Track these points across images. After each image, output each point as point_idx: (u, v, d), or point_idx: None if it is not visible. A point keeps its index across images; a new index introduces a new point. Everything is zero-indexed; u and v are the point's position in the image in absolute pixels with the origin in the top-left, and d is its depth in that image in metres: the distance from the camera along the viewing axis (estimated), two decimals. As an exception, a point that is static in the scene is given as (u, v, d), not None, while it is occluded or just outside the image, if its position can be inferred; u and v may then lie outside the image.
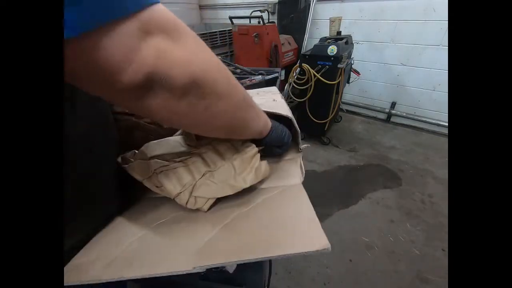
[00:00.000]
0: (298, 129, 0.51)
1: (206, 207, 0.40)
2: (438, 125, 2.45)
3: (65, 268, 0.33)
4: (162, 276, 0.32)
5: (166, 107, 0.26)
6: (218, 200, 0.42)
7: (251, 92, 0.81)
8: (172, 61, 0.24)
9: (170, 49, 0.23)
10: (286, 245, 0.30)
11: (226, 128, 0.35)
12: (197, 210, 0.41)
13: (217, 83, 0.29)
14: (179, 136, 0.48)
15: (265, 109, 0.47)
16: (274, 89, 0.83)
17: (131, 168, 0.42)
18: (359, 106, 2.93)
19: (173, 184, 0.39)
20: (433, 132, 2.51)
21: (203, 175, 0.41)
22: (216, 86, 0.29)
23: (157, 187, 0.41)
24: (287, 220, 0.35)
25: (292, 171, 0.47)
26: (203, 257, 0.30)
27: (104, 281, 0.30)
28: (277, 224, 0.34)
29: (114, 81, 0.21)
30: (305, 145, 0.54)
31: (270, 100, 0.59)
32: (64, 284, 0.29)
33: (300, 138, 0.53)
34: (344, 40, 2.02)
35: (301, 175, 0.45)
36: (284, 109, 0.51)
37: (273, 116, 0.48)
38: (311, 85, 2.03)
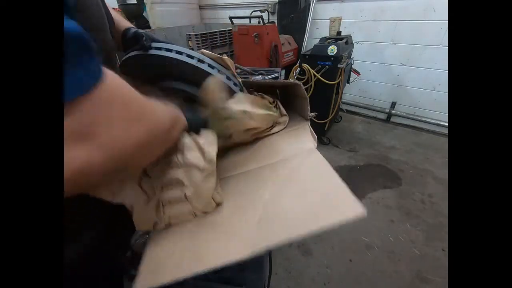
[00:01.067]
0: (307, 96, 0.54)
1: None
2: (438, 125, 2.45)
3: (138, 278, 0.37)
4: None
5: None
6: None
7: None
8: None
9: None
10: (326, 217, 0.33)
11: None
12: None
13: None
14: None
15: (273, 83, 0.55)
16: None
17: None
18: (359, 106, 2.93)
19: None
20: (433, 132, 2.51)
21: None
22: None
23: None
24: (320, 191, 0.37)
25: (305, 138, 0.51)
26: (256, 241, 0.33)
27: (181, 279, 0.33)
28: (311, 197, 0.37)
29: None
30: (313, 113, 0.55)
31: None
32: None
33: (308, 106, 0.55)
34: (344, 40, 2.02)
35: (314, 141, 0.50)
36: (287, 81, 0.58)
37: (281, 91, 0.56)
38: (311, 85, 2.03)
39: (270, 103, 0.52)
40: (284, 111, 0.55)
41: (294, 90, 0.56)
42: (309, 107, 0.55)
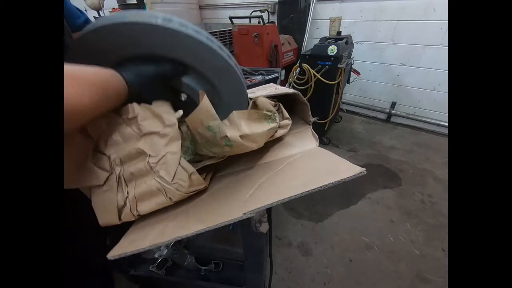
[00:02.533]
0: (308, 103, 0.54)
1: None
2: (438, 125, 2.45)
3: (115, 246, 0.34)
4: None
5: None
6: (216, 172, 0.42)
7: (253, 90, 0.81)
8: None
9: None
10: (324, 178, 0.32)
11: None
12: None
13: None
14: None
15: (272, 94, 0.51)
16: (271, 84, 0.84)
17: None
18: (359, 106, 2.93)
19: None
20: (433, 132, 2.51)
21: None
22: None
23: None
24: (318, 166, 0.38)
25: (306, 140, 0.51)
26: (249, 205, 0.32)
27: (160, 245, 0.31)
28: (310, 170, 0.37)
29: None
30: (315, 118, 0.56)
31: (273, 89, 0.61)
32: (123, 253, 0.31)
33: (310, 112, 0.55)
34: (344, 40, 2.02)
35: (315, 141, 0.49)
36: (288, 89, 0.55)
37: (281, 97, 0.51)
38: (311, 85, 2.03)
39: (269, 110, 0.47)
40: (286, 114, 0.53)
41: (294, 96, 0.55)
42: (310, 113, 0.55)
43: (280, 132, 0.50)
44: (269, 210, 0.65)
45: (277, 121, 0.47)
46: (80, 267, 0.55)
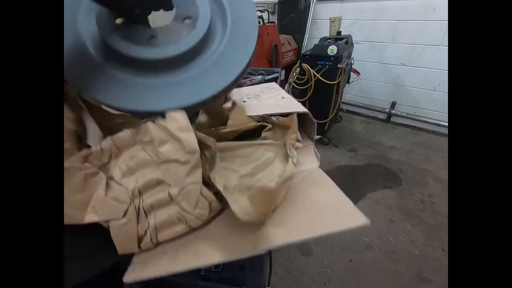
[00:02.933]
0: (315, 121, 0.52)
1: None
2: (438, 125, 2.45)
3: (130, 268, 0.34)
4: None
5: None
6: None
7: (254, 89, 0.81)
8: None
9: None
10: (331, 224, 0.33)
11: None
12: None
13: None
14: None
15: (281, 111, 0.48)
16: (274, 85, 0.84)
17: None
18: (359, 106, 2.93)
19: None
20: (433, 132, 2.51)
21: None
22: None
23: None
24: (323, 203, 0.37)
25: (308, 157, 0.50)
26: (261, 242, 0.32)
27: (175, 272, 0.31)
28: (315, 207, 0.37)
29: None
30: (318, 136, 0.56)
31: (280, 98, 0.59)
32: (139, 278, 0.32)
33: (315, 130, 0.54)
34: (344, 40, 2.02)
35: (317, 160, 0.48)
36: (297, 105, 0.53)
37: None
38: (311, 85, 2.03)
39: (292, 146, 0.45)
40: (299, 136, 0.49)
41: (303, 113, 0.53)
42: (315, 131, 0.54)
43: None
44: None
45: (294, 162, 0.42)
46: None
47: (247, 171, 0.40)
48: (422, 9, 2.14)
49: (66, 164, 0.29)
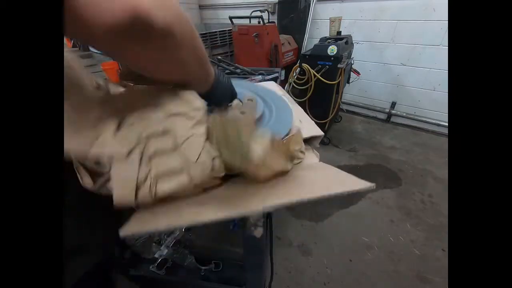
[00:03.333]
0: (322, 133, 0.56)
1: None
2: (438, 125, 2.45)
3: (127, 224, 0.33)
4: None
5: (143, 55, 0.28)
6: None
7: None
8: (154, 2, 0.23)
9: None
10: (338, 186, 0.33)
11: (190, 74, 0.39)
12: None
13: (188, 34, 0.31)
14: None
15: (305, 135, 0.51)
16: (274, 84, 0.84)
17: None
18: (359, 106, 2.93)
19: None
20: (433, 132, 2.51)
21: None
22: (188, 37, 0.31)
23: None
24: (329, 176, 0.38)
25: (307, 155, 0.50)
26: (268, 200, 0.32)
27: (178, 226, 0.31)
28: (321, 178, 0.38)
29: (100, 23, 0.21)
30: (318, 145, 0.58)
31: (298, 121, 0.59)
32: (137, 231, 0.31)
33: (319, 141, 0.57)
34: (344, 40, 2.02)
35: (316, 158, 0.50)
36: (313, 128, 0.57)
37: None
38: (311, 85, 2.03)
39: (295, 156, 0.46)
40: (303, 147, 0.51)
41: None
42: (319, 141, 0.57)
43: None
44: (269, 214, 0.65)
45: (294, 163, 0.45)
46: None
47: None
48: (422, 9, 2.14)
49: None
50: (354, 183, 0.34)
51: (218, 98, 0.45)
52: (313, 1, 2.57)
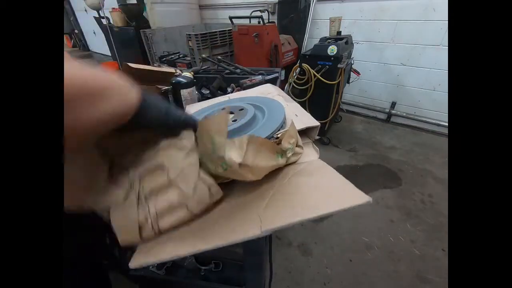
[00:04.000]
0: (319, 124, 0.55)
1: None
2: (438, 125, 2.45)
3: (135, 254, 0.34)
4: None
5: None
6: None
7: (252, 91, 0.81)
8: None
9: None
10: (334, 203, 0.33)
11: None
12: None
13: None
14: None
15: (300, 126, 0.50)
16: (268, 85, 0.84)
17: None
18: (359, 106, 2.93)
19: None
20: (433, 132, 2.51)
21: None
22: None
23: None
24: (325, 186, 0.38)
25: (307, 152, 0.49)
26: (265, 221, 0.32)
27: (181, 256, 0.32)
28: (317, 190, 0.37)
29: None
30: (318, 136, 0.57)
31: (294, 115, 0.60)
32: (145, 263, 0.32)
33: (317, 131, 0.57)
34: (344, 40, 2.02)
35: (316, 154, 0.49)
36: (309, 119, 0.56)
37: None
38: (311, 85, 2.03)
39: (287, 148, 0.45)
40: (300, 142, 0.50)
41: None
42: (317, 132, 0.56)
43: (291, 159, 0.47)
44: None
45: (288, 156, 0.44)
46: (75, 268, 0.56)
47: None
48: (422, 9, 2.14)
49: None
50: (352, 197, 0.34)
51: (152, 122, 0.37)
52: (313, 1, 2.57)
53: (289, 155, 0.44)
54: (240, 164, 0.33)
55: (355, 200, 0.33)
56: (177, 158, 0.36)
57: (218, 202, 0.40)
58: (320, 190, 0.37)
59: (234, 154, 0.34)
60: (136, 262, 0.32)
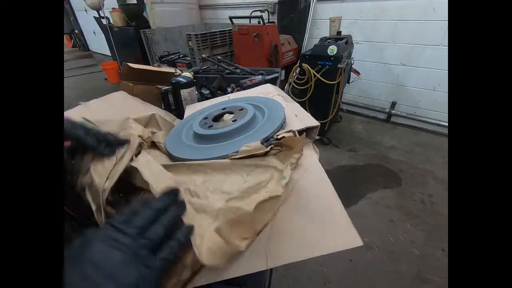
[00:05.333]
0: (319, 124, 0.56)
1: None
2: (438, 125, 2.45)
3: None
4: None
5: None
6: None
7: (252, 91, 0.81)
8: None
9: None
10: (328, 245, 0.34)
11: None
12: None
13: None
14: None
15: (297, 128, 0.50)
16: (268, 85, 0.83)
17: None
18: (359, 106, 2.93)
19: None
20: (433, 132, 2.51)
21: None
22: None
23: None
24: (320, 217, 0.38)
25: (307, 153, 0.50)
26: (270, 259, 0.33)
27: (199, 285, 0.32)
28: (312, 222, 0.38)
29: None
30: (318, 136, 0.58)
31: (293, 116, 0.60)
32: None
33: (317, 131, 0.57)
34: (344, 40, 2.02)
35: (316, 154, 0.50)
36: (308, 119, 0.57)
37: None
38: (311, 85, 2.03)
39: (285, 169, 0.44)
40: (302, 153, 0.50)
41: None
42: (317, 132, 0.57)
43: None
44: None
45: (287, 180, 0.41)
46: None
47: (237, 194, 0.38)
48: (422, 9, 2.14)
49: None
50: (346, 239, 0.35)
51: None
52: (313, 1, 2.57)
53: (284, 181, 0.42)
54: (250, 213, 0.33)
55: (349, 243, 0.34)
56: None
57: None
58: (318, 226, 0.37)
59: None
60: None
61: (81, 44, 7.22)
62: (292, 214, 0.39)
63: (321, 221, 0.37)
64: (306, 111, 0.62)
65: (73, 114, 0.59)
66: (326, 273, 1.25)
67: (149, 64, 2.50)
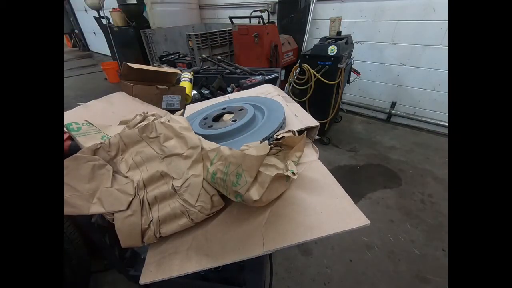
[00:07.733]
0: (319, 124, 0.57)
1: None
2: (438, 125, 2.45)
3: (144, 270, 0.35)
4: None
5: None
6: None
7: (252, 91, 0.81)
8: None
9: None
10: (334, 225, 0.34)
11: None
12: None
13: None
14: None
15: (297, 128, 0.50)
16: (268, 85, 0.84)
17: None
18: (359, 106, 2.93)
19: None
20: (433, 132, 2.51)
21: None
22: None
23: None
24: (324, 202, 0.38)
25: (307, 152, 0.51)
26: (268, 243, 0.33)
27: (189, 273, 0.33)
28: (317, 206, 0.38)
29: None
30: (317, 136, 0.59)
31: (293, 116, 0.60)
32: (155, 279, 0.33)
33: (317, 131, 0.58)
34: (344, 40, 2.02)
35: (316, 154, 0.51)
36: (308, 119, 0.57)
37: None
38: (311, 85, 2.03)
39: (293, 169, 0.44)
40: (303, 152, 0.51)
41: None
42: (317, 132, 0.57)
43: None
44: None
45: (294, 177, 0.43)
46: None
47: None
48: (422, 9, 2.14)
49: (77, 153, 0.33)
50: (352, 218, 0.34)
51: None
52: (313, 1, 2.57)
53: (293, 164, 0.44)
54: (255, 201, 0.34)
55: (354, 223, 0.34)
56: (181, 168, 0.37)
57: (219, 211, 0.41)
58: (320, 208, 0.37)
59: (254, 192, 0.34)
60: (146, 278, 0.34)
61: (81, 44, 7.22)
62: (294, 197, 0.39)
63: (324, 204, 0.38)
64: (306, 111, 0.62)
65: (73, 114, 0.60)
66: (326, 273, 1.25)
67: (149, 64, 2.50)
